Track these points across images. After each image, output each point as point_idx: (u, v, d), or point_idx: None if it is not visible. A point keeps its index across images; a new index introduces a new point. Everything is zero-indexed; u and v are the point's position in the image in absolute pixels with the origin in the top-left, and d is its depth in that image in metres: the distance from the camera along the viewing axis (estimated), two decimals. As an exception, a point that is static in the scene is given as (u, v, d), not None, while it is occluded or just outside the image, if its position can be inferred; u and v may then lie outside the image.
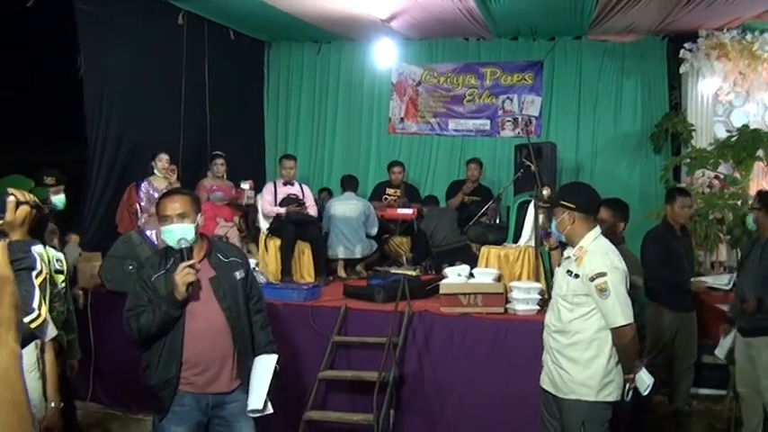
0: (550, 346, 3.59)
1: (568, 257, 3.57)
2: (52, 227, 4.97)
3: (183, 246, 3.22)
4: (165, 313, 3.20)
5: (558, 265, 3.90)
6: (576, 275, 3.45)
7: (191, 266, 3.18)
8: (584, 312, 3.44)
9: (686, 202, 5.49)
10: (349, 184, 8.04)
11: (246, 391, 3.38)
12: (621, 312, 3.35)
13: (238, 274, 3.43)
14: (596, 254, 3.45)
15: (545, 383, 3.65)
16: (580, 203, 3.57)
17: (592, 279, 3.37)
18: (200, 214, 3.38)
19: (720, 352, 5.07)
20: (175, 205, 3.31)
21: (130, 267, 5.86)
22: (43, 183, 4.99)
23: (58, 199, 5.00)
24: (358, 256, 7.49)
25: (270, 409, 3.39)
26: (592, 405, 3.43)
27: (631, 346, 3.42)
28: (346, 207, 7.63)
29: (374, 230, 7.74)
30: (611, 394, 3.45)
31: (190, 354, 3.27)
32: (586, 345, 3.44)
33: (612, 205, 4.39)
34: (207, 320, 3.30)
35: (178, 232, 3.26)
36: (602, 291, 3.34)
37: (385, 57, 9.30)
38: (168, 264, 3.32)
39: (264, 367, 3.42)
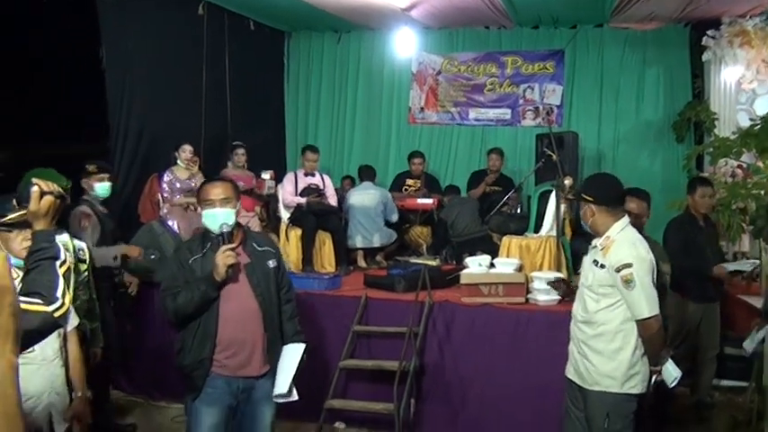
0: (576, 336, 3.57)
1: (595, 247, 3.54)
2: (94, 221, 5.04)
3: (225, 230, 3.36)
4: (204, 293, 3.30)
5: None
6: (602, 266, 3.41)
7: (231, 249, 3.31)
8: (609, 303, 3.41)
9: (707, 192, 5.44)
10: (366, 173, 8.06)
11: (273, 377, 3.47)
12: (647, 304, 3.31)
13: (271, 263, 3.55)
14: (623, 244, 3.41)
15: (570, 373, 3.63)
16: (598, 196, 3.53)
17: (618, 270, 3.33)
18: (239, 202, 3.53)
19: (749, 345, 5.02)
20: (218, 190, 3.45)
21: (152, 257, 5.91)
22: (87, 171, 5.11)
23: (101, 187, 5.06)
24: (376, 244, 7.49)
25: (295, 396, 3.50)
26: (616, 397, 3.40)
27: (657, 338, 3.37)
28: (363, 196, 7.63)
29: (394, 217, 7.74)
30: (635, 386, 3.41)
31: (223, 336, 3.36)
32: (612, 336, 3.41)
33: (642, 195, 4.34)
34: (240, 304, 3.40)
35: (221, 216, 3.39)
36: (628, 282, 3.30)
37: (405, 46, 9.27)
38: (205, 247, 3.44)
39: (292, 355, 3.52)
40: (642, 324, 3.35)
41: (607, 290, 3.40)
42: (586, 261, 3.62)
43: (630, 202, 3.98)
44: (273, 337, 3.50)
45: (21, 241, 2.84)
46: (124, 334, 5.39)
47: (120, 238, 5.49)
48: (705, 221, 5.49)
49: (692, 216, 5.46)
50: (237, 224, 3.54)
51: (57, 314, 1.93)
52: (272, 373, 3.49)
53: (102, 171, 5.14)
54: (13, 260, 2.86)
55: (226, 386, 3.38)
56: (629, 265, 3.31)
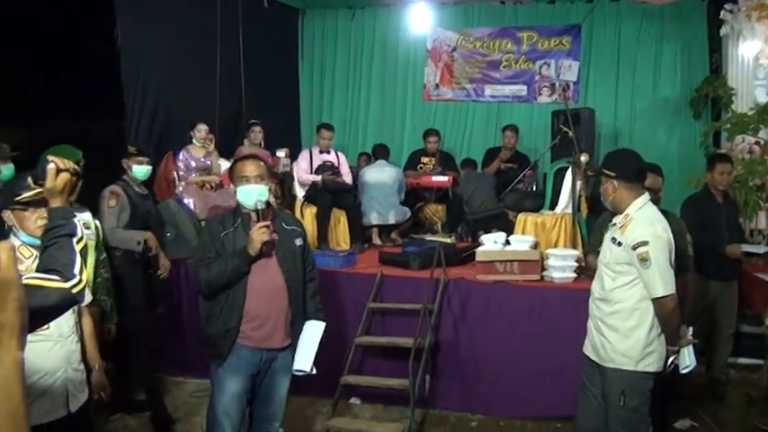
0: (594, 314, 3.57)
1: (614, 225, 3.51)
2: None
3: (260, 207, 3.49)
4: (237, 267, 3.45)
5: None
6: (620, 243, 3.39)
7: (266, 227, 3.45)
8: (626, 281, 3.39)
9: (726, 168, 5.39)
10: (380, 152, 8.05)
11: (293, 350, 3.66)
12: (662, 283, 3.29)
13: (298, 242, 3.70)
14: (641, 222, 3.38)
15: (587, 350, 3.63)
16: (621, 172, 3.50)
17: (634, 248, 3.31)
18: (269, 180, 3.68)
19: None
20: (253, 167, 3.59)
21: (168, 235, 5.95)
22: (128, 151, 5.16)
23: (138, 170, 5.08)
24: (392, 221, 7.49)
25: (314, 371, 3.70)
26: (632, 375, 3.40)
27: (673, 317, 3.35)
28: (379, 173, 7.62)
29: (402, 196, 7.76)
30: (651, 365, 3.40)
31: (250, 308, 3.51)
32: (628, 314, 3.40)
33: (657, 170, 4.28)
34: (268, 279, 3.55)
35: (255, 192, 3.54)
36: (644, 260, 3.28)
37: (420, 22, 9.20)
38: (236, 223, 3.58)
39: (313, 331, 3.72)
40: (658, 303, 3.33)
41: (624, 267, 3.39)
42: (606, 239, 3.60)
43: (651, 178, 3.93)
44: (297, 313, 3.65)
45: (36, 220, 2.86)
46: (156, 316, 5.41)
47: (155, 220, 5.50)
48: (724, 199, 5.43)
49: (710, 193, 5.42)
50: (267, 202, 3.63)
51: (75, 290, 1.95)
52: (292, 347, 3.66)
53: (142, 154, 5.14)
54: (29, 239, 2.89)
55: (250, 356, 3.54)
56: (645, 243, 3.29)
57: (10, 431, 0.93)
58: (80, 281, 1.98)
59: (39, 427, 2.80)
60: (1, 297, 0.89)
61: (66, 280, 1.93)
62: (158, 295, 5.40)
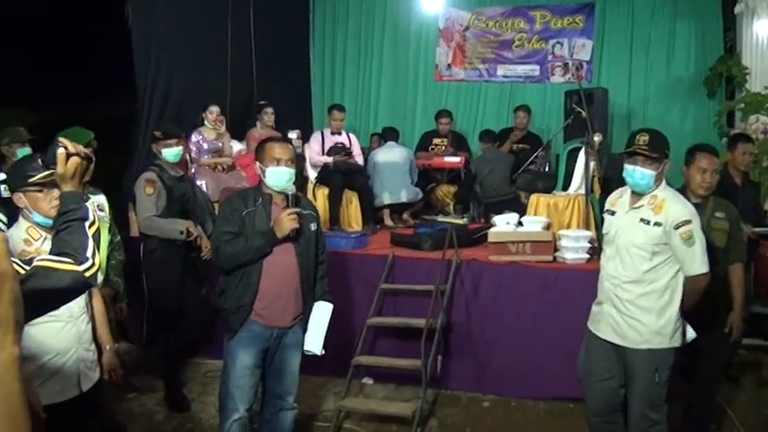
0: (619, 296, 3.49)
1: (641, 206, 3.45)
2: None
3: (291, 191, 3.60)
4: (260, 248, 3.55)
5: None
6: (657, 224, 3.37)
7: (296, 213, 3.56)
8: (661, 261, 3.39)
9: (748, 149, 5.30)
10: (390, 134, 8.09)
11: (303, 328, 3.76)
12: (702, 260, 3.36)
13: (312, 226, 3.77)
14: (676, 201, 3.41)
15: (607, 335, 3.56)
16: (668, 153, 3.48)
17: (677, 227, 3.32)
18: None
19: None
20: (285, 150, 3.68)
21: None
22: (154, 136, 5.13)
23: (168, 153, 5.04)
24: (404, 199, 7.47)
25: (323, 352, 3.79)
26: (666, 352, 3.43)
27: (701, 294, 3.42)
28: (390, 154, 7.63)
29: (414, 177, 7.77)
30: (678, 339, 3.46)
31: (263, 287, 3.60)
32: (660, 293, 3.41)
33: (714, 151, 4.13)
34: (282, 261, 3.62)
35: (286, 175, 3.63)
36: (689, 238, 3.32)
37: (431, 2, 9.15)
38: (257, 202, 3.64)
39: (323, 313, 3.80)
40: (695, 279, 3.38)
41: (661, 248, 3.37)
42: (626, 220, 3.52)
43: (702, 158, 3.83)
44: (307, 294, 3.74)
45: (50, 200, 2.88)
46: (201, 300, 5.41)
47: (193, 201, 5.38)
48: (743, 180, 5.36)
49: (728, 174, 5.37)
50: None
51: (87, 274, 1.95)
52: (302, 324, 3.76)
53: (168, 137, 5.00)
54: (43, 220, 2.91)
55: (261, 331, 3.63)
56: (688, 222, 3.32)
57: (9, 430, 0.91)
58: (93, 264, 1.99)
59: (51, 406, 2.84)
60: None
61: (79, 263, 1.94)
62: (202, 278, 5.39)
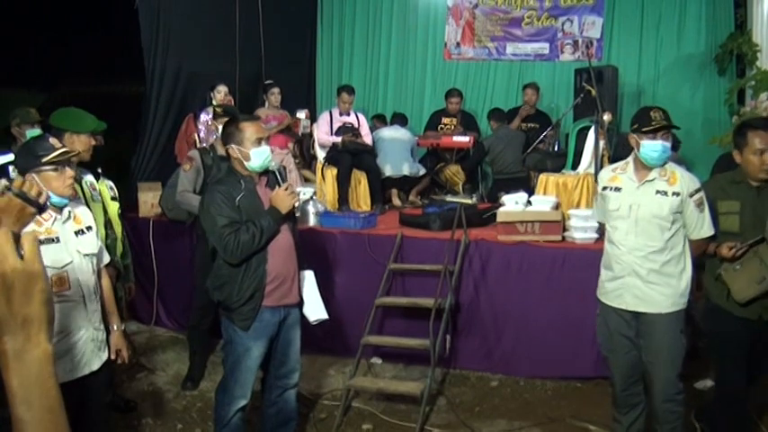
0: (643, 267, 3.60)
1: (653, 179, 3.60)
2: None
3: (276, 167, 3.58)
4: (271, 228, 3.48)
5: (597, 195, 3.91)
6: (675, 193, 3.55)
7: (290, 185, 3.54)
8: (677, 228, 3.59)
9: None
10: (398, 119, 8.21)
11: (301, 305, 3.76)
12: (711, 224, 3.62)
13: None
14: (683, 171, 3.66)
15: (633, 306, 3.65)
16: None
17: (691, 195, 3.56)
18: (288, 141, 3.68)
19: None
20: (261, 129, 3.64)
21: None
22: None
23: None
24: (406, 172, 7.39)
25: (326, 314, 3.84)
26: (685, 311, 3.65)
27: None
28: (395, 132, 7.65)
29: (416, 158, 7.78)
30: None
31: (272, 269, 3.56)
32: (678, 258, 3.62)
33: None
34: (283, 238, 3.60)
35: (269, 153, 3.59)
36: (701, 204, 3.57)
37: (440, -21, 9.07)
38: (242, 186, 3.54)
39: (311, 281, 3.80)
40: (703, 242, 3.66)
41: (677, 216, 3.57)
42: (641, 194, 3.62)
43: (755, 137, 3.69)
44: (300, 267, 3.75)
45: (64, 180, 2.89)
46: None
47: None
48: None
49: None
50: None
51: None
52: (301, 301, 3.76)
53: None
54: (58, 199, 2.93)
55: (270, 317, 3.59)
56: (700, 190, 3.59)
57: (50, 425, 0.93)
58: None
59: (61, 385, 2.86)
60: (27, 290, 0.88)
61: None
62: None
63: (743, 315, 3.67)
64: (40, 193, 2.12)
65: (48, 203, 2.19)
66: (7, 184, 2.06)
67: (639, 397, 3.79)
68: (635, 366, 3.72)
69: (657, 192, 3.57)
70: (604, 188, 3.80)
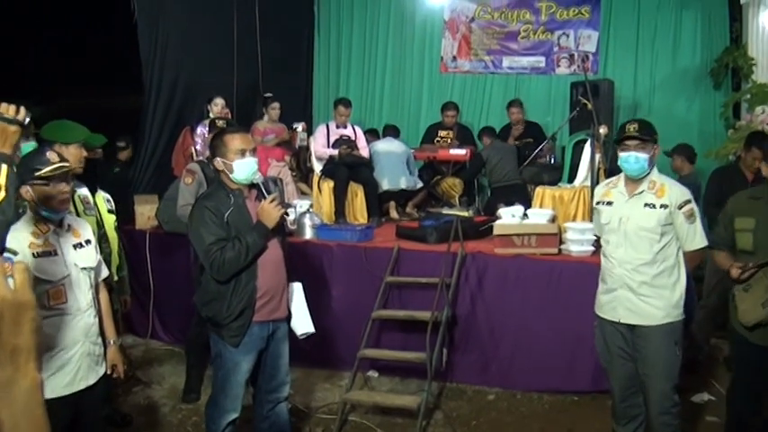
0: (634, 280, 3.63)
1: (641, 192, 3.64)
2: None
3: (260, 180, 3.50)
4: (256, 244, 3.41)
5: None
6: (663, 206, 3.58)
7: (275, 199, 3.46)
8: (667, 241, 3.60)
9: (757, 155, 5.27)
10: (390, 131, 8.22)
11: (289, 318, 3.73)
12: (703, 235, 3.65)
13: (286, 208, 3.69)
14: (672, 183, 3.70)
15: (626, 318, 3.68)
16: (657, 136, 3.68)
17: (680, 207, 3.58)
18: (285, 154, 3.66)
19: None
20: (247, 139, 3.58)
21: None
22: (215, 126, 5.20)
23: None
24: (403, 186, 7.42)
25: (313, 329, 3.79)
26: (680, 323, 3.66)
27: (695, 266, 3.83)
28: (389, 145, 7.67)
29: (415, 171, 7.78)
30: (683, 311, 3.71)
31: (262, 283, 3.51)
32: (671, 270, 3.63)
33: None
34: (272, 252, 3.55)
35: (255, 165, 3.52)
36: (691, 216, 3.59)
37: (437, -8, 9.11)
38: (231, 200, 3.48)
39: (298, 293, 3.78)
40: (695, 254, 3.68)
41: (667, 228, 3.59)
42: (628, 207, 3.67)
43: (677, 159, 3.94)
44: (289, 280, 3.72)
45: (59, 194, 2.90)
46: None
47: None
48: (755, 176, 5.31)
49: (738, 168, 5.34)
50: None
51: None
52: (289, 314, 3.72)
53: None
54: (49, 213, 2.93)
55: (259, 332, 3.55)
56: (689, 201, 3.61)
57: None
58: None
59: (58, 399, 2.87)
60: (16, 320, 0.88)
61: None
62: None
63: (754, 341, 3.62)
64: (18, 111, 2.16)
65: (27, 119, 2.21)
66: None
67: (639, 409, 3.80)
68: (632, 378, 3.74)
69: (646, 204, 3.62)
70: (598, 203, 3.88)
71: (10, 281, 0.91)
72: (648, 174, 3.64)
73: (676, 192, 3.62)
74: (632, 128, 3.61)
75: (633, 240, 3.63)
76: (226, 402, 3.57)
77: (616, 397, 3.86)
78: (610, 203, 3.77)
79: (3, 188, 2.04)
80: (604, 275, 3.80)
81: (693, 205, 3.61)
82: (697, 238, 3.63)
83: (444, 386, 5.35)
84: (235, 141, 3.49)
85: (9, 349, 0.88)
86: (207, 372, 5.45)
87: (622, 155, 3.62)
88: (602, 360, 3.93)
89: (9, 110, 2.13)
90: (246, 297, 3.46)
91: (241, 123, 7.08)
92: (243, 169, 3.48)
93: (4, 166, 2.07)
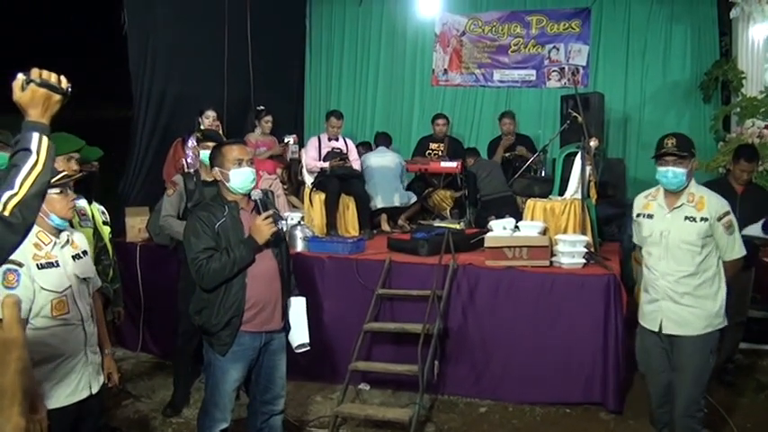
0: (677, 291, 3.72)
1: (681, 205, 3.73)
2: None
3: (258, 196, 3.53)
4: (243, 259, 3.44)
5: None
6: (703, 219, 3.67)
7: (271, 216, 3.47)
8: (708, 251, 3.70)
9: (745, 168, 5.32)
10: (382, 139, 8.13)
11: (287, 330, 3.75)
12: (741, 245, 3.76)
13: (280, 224, 3.70)
14: (712, 196, 3.75)
15: (668, 329, 3.76)
16: (695, 151, 3.79)
17: (720, 218, 3.67)
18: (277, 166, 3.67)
19: None
20: (245, 151, 3.63)
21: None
22: (198, 138, 5.19)
23: (205, 155, 5.05)
24: (396, 203, 7.43)
25: (308, 343, 3.84)
26: (719, 332, 3.78)
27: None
28: (382, 158, 7.63)
29: (405, 183, 7.77)
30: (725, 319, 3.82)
31: (251, 294, 3.51)
32: (712, 280, 3.72)
33: None
34: (265, 265, 3.56)
35: (252, 175, 3.58)
36: (730, 227, 3.69)
37: (428, 6, 9.17)
38: (225, 211, 3.53)
39: (299, 307, 3.82)
40: (735, 263, 3.78)
41: (707, 240, 3.68)
42: (671, 221, 3.74)
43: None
44: (286, 293, 3.72)
45: (66, 202, 2.94)
46: None
47: None
48: (745, 188, 5.34)
49: (727, 181, 5.37)
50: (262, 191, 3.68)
51: (6, 210, 1.79)
52: (286, 326, 3.74)
53: (207, 139, 5.13)
54: (60, 222, 2.96)
55: (250, 342, 3.56)
56: (728, 213, 3.71)
57: None
58: (13, 195, 1.82)
59: (61, 409, 2.88)
60: (2, 359, 0.83)
61: None
62: None
63: None
64: (60, 80, 2.03)
65: (69, 89, 2.04)
66: (25, 76, 1.95)
67: (670, 414, 3.90)
68: (669, 385, 3.86)
69: (686, 218, 3.71)
70: (638, 215, 3.96)
71: None
72: (686, 186, 3.73)
73: (715, 204, 3.70)
74: (670, 143, 3.69)
75: (675, 253, 3.72)
76: (215, 412, 3.58)
77: (653, 402, 4.00)
78: (650, 216, 3.86)
79: (41, 163, 1.92)
80: (647, 286, 3.89)
81: (732, 216, 3.71)
82: (736, 247, 3.74)
83: (436, 399, 5.33)
84: (233, 152, 3.58)
85: None
86: (198, 384, 5.45)
87: (660, 169, 3.71)
88: (640, 367, 4.07)
89: (51, 77, 2.01)
90: (234, 307, 3.48)
91: (232, 136, 7.08)
92: (239, 178, 3.55)
93: (45, 139, 1.95)
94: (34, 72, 1.97)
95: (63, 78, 2.04)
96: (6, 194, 1.79)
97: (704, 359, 3.73)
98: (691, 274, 3.69)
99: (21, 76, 1.96)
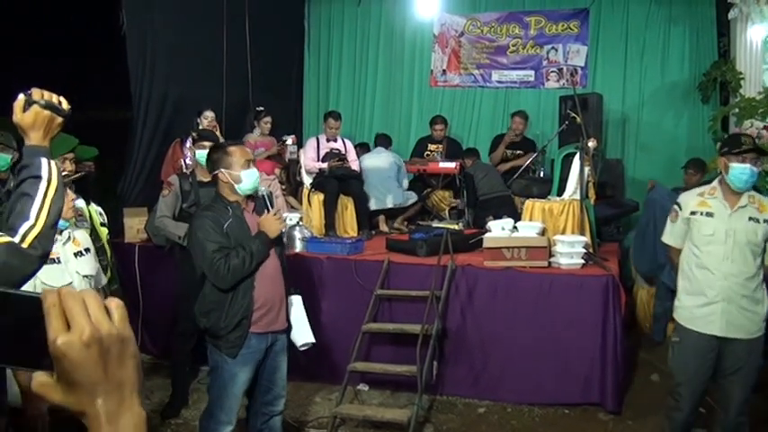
0: (739, 293, 3.67)
1: (745, 206, 3.68)
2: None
3: (266, 192, 3.60)
4: (261, 252, 3.48)
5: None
6: (766, 221, 3.68)
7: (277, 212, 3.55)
8: (762, 254, 3.72)
9: None
10: (381, 140, 8.16)
11: (289, 331, 3.76)
12: None
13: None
14: (765, 200, 3.77)
15: (724, 331, 3.69)
16: None
17: None
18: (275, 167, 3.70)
19: None
20: (247, 151, 3.66)
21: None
22: (193, 138, 5.18)
23: (201, 155, 5.04)
24: (389, 205, 7.42)
25: (313, 339, 3.83)
26: (764, 334, 3.78)
27: None
28: (376, 159, 7.64)
29: (405, 183, 7.75)
30: None
31: (260, 295, 3.54)
32: (761, 284, 3.74)
33: None
34: (270, 264, 3.58)
35: (256, 175, 3.61)
36: None
37: (426, 7, 9.16)
38: (229, 212, 3.54)
39: (299, 305, 3.82)
40: None
41: (765, 243, 3.71)
42: (736, 221, 3.69)
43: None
44: (288, 293, 3.76)
45: (66, 203, 2.92)
46: None
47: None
48: None
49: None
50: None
51: (25, 242, 1.78)
52: (288, 326, 3.76)
53: (203, 139, 5.08)
54: (60, 221, 2.94)
55: (257, 344, 3.56)
56: None
57: None
58: (32, 226, 1.82)
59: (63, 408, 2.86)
60: (120, 354, 0.88)
61: (15, 232, 1.80)
62: None
63: None
64: (60, 101, 1.99)
65: (69, 111, 2.01)
66: (28, 97, 1.89)
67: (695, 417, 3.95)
68: (705, 392, 3.89)
69: (750, 218, 3.68)
70: (693, 212, 3.79)
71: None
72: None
73: None
74: (749, 141, 3.66)
75: (741, 253, 3.67)
76: (221, 415, 3.57)
77: (685, 409, 3.82)
78: (710, 214, 3.73)
79: (53, 189, 1.90)
80: (702, 288, 3.73)
81: None
82: None
83: (435, 399, 5.33)
84: (239, 152, 3.60)
85: (115, 382, 0.89)
86: (197, 385, 5.44)
87: (738, 165, 3.61)
88: (677, 376, 3.88)
89: (53, 98, 1.96)
90: (244, 308, 3.48)
91: (231, 137, 7.08)
92: (249, 179, 3.58)
93: (53, 164, 1.92)
94: (36, 93, 1.93)
95: (63, 100, 2.00)
96: (25, 226, 1.80)
97: (757, 362, 3.76)
98: (752, 276, 3.68)
99: (22, 97, 1.91)
